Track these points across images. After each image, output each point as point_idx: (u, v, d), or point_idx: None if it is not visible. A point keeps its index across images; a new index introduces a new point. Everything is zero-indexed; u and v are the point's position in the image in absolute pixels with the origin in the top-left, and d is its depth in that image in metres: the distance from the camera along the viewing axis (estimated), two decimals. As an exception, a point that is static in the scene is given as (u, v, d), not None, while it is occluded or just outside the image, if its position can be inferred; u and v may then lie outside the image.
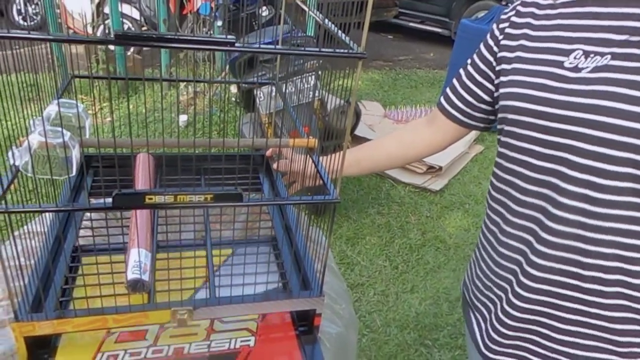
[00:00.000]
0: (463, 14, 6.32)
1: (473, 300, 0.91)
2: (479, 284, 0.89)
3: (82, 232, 0.94)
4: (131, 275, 0.72)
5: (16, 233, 0.71)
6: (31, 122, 0.70)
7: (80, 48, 4.27)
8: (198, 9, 4.43)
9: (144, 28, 5.13)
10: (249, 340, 0.76)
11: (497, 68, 0.83)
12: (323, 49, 0.57)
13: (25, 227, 0.89)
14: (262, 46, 0.55)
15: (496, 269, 0.83)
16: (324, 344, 0.81)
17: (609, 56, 0.68)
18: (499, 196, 0.82)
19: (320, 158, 0.88)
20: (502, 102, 0.80)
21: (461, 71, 0.91)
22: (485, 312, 0.87)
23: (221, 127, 3.25)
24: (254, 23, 2.87)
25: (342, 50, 0.58)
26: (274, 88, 1.13)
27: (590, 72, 0.69)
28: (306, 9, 0.83)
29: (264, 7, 3.32)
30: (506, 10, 0.84)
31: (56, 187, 0.84)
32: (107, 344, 0.73)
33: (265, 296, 0.76)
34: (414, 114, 4.17)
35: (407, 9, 7.00)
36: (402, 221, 2.90)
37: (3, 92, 0.62)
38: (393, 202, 3.07)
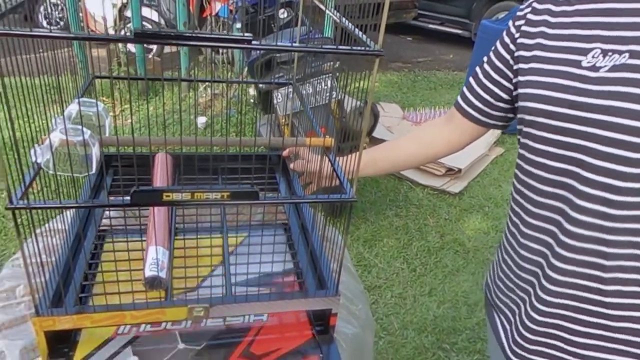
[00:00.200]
0: (484, 15, 6.24)
1: (496, 301, 0.91)
2: (502, 286, 0.88)
3: (101, 230, 0.95)
4: (149, 272, 0.72)
5: (38, 230, 0.73)
6: (53, 120, 0.72)
7: (102, 51, 4.35)
8: (217, 12, 4.48)
9: (164, 31, 5.19)
10: (262, 316, 0.81)
11: (515, 67, 0.81)
12: (340, 47, 0.57)
13: (46, 224, 0.91)
14: (278, 44, 0.55)
15: (518, 271, 0.82)
16: (340, 345, 0.81)
17: (627, 54, 0.67)
18: (518, 198, 0.81)
19: (337, 158, 0.88)
20: (519, 103, 0.79)
21: (477, 69, 0.90)
22: (510, 314, 0.86)
23: (239, 129, 3.27)
24: (272, 25, 2.88)
25: (359, 48, 0.58)
26: (291, 89, 1.14)
27: (608, 71, 0.67)
28: (323, 8, 0.83)
29: (283, 10, 3.34)
30: (522, 7, 0.83)
31: (77, 186, 0.85)
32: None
33: (281, 295, 0.76)
34: (433, 115, 4.13)
35: (426, 10, 6.95)
36: (420, 224, 2.87)
37: (27, 94, 0.64)
38: (411, 205, 3.05)
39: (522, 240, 0.80)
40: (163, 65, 4.34)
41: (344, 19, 0.65)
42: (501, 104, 0.87)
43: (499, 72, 0.85)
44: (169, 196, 0.61)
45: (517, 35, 0.81)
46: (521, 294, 0.82)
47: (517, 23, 0.82)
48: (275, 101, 2.48)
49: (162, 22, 5.15)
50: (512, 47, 0.82)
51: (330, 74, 2.35)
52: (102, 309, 0.69)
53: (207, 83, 4.04)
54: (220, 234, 0.93)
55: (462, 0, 6.67)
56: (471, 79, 0.91)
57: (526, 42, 0.79)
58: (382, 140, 3.31)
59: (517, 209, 0.82)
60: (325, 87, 2.37)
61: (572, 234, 0.71)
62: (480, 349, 2.04)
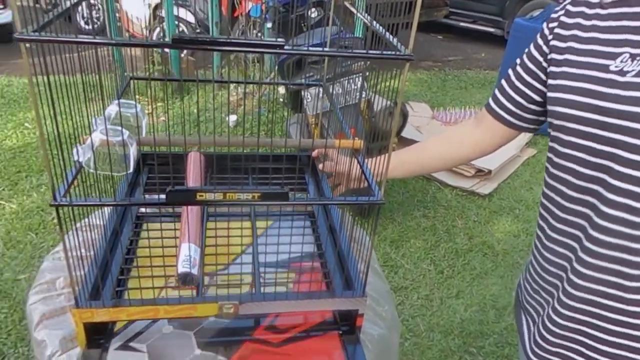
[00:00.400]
0: (517, 13, 6.11)
1: (524, 302, 0.91)
2: (529, 287, 0.88)
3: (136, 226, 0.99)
4: (181, 268, 0.75)
5: (77, 225, 0.76)
6: (93, 121, 0.75)
7: (138, 51, 4.47)
8: (249, 11, 4.54)
9: (197, 30, 5.30)
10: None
11: (547, 69, 0.80)
12: (370, 51, 0.58)
13: (85, 219, 0.95)
14: (310, 48, 0.56)
15: (543, 274, 0.83)
16: (365, 345, 0.82)
17: None
18: (545, 202, 0.81)
19: (366, 160, 0.88)
20: (549, 107, 0.78)
21: (510, 72, 0.90)
22: (535, 316, 0.87)
23: (269, 127, 3.31)
24: (303, 25, 2.90)
25: (389, 52, 0.58)
26: (321, 89, 1.15)
27: (635, 75, 0.66)
28: (354, 11, 0.84)
29: (313, 9, 3.35)
30: (556, 9, 0.82)
31: (114, 183, 0.89)
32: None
33: (308, 294, 0.77)
34: (463, 115, 4.08)
35: (458, 8, 6.84)
36: (448, 225, 2.84)
37: (67, 91, 0.67)
38: (439, 206, 3.02)
39: (547, 243, 0.80)
40: (196, 64, 4.42)
41: (375, 23, 0.65)
42: (533, 107, 0.86)
43: (532, 74, 0.85)
44: (202, 196, 0.63)
45: (550, 37, 0.80)
46: (546, 296, 0.83)
47: (550, 25, 0.81)
48: (305, 101, 2.50)
49: (196, 22, 5.25)
50: (545, 49, 0.81)
51: (360, 74, 2.35)
52: (137, 303, 0.72)
53: (237, 81, 4.09)
54: (249, 219, 0.99)
55: (495, -2, 6.55)
56: (503, 81, 0.91)
57: (558, 45, 0.78)
58: (411, 141, 3.29)
59: (544, 212, 0.82)
60: (355, 87, 2.37)
61: (597, 241, 0.71)
62: (508, 354, 2.01)
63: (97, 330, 0.74)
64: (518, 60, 0.88)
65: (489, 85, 5.30)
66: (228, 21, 4.84)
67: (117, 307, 0.71)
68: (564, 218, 0.76)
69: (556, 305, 0.79)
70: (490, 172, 3.23)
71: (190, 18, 5.27)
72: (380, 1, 0.80)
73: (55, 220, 2.56)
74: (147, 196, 1.01)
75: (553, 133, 0.77)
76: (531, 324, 0.88)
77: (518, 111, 0.88)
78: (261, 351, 0.78)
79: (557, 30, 0.79)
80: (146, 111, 0.90)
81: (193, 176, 0.97)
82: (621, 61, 0.69)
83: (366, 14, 0.74)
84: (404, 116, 2.98)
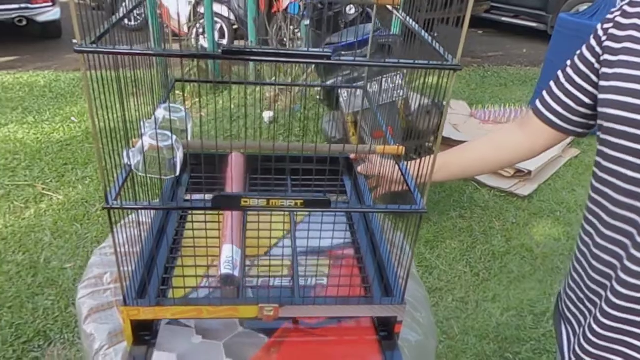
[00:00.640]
0: (562, 7, 5.90)
1: (565, 311, 0.89)
2: (572, 295, 0.86)
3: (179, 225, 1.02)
4: (224, 270, 0.77)
5: (123, 222, 0.79)
6: (141, 124, 0.77)
7: (175, 46, 4.56)
8: (286, 8, 4.56)
9: (234, 26, 5.37)
10: (322, 280, 0.90)
11: (600, 71, 0.78)
12: (417, 62, 0.57)
13: (131, 216, 0.98)
14: (356, 59, 0.56)
15: (588, 282, 0.81)
16: (403, 352, 0.82)
17: None
18: (592, 207, 0.79)
19: (407, 163, 0.88)
20: (599, 109, 0.76)
21: (559, 73, 0.87)
22: (576, 326, 0.85)
23: (303, 124, 3.32)
24: (340, 21, 2.89)
25: (436, 63, 0.58)
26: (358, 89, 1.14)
27: None
28: (399, 15, 0.83)
29: (350, 6, 3.33)
30: (612, 10, 0.79)
31: (159, 188, 0.92)
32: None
33: (348, 300, 0.78)
34: (503, 114, 3.98)
35: (499, 2, 6.66)
36: (485, 226, 2.79)
37: (117, 88, 0.68)
38: (476, 206, 2.96)
39: (594, 250, 0.78)
40: (232, 62, 4.48)
41: (422, 32, 0.65)
42: (582, 109, 0.84)
43: (583, 76, 0.82)
44: (246, 202, 0.64)
45: (604, 38, 0.78)
46: (589, 305, 0.81)
47: (605, 26, 0.79)
48: (341, 98, 2.49)
49: (233, 18, 5.31)
50: (598, 50, 0.79)
51: (399, 72, 2.33)
52: (181, 303, 0.74)
53: (273, 78, 4.13)
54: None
55: (538, -8, 6.34)
56: (552, 83, 0.88)
57: (613, 46, 0.76)
58: (448, 139, 3.24)
59: (591, 217, 0.80)
60: (393, 86, 2.35)
61: None
62: (546, 361, 1.96)
63: (144, 327, 0.77)
64: (568, 62, 0.86)
65: (530, 83, 5.14)
66: (265, 18, 4.88)
67: (162, 306, 0.74)
68: (612, 225, 0.74)
69: (598, 315, 0.77)
70: (530, 172, 3.15)
71: (229, 14, 5.35)
72: None
73: (99, 212, 2.66)
74: (191, 196, 1.04)
75: (602, 136, 0.76)
76: (571, 334, 0.86)
77: (566, 114, 0.86)
78: (298, 330, 0.81)
79: (611, 31, 0.77)
80: (184, 107, 0.92)
81: (234, 178, 0.99)
82: None
83: (411, 19, 0.73)
84: (442, 114, 2.93)
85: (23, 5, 5.12)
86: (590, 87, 0.81)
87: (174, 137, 0.73)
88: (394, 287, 0.81)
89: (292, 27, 4.53)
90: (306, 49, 0.54)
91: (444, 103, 0.63)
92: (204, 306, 0.74)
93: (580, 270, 0.83)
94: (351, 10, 2.93)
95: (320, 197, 0.66)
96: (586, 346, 0.80)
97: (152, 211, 0.95)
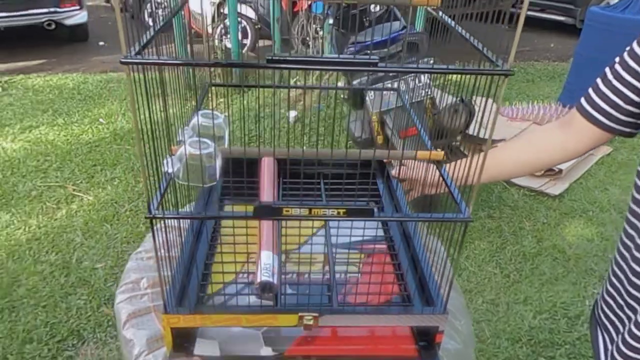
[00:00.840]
0: (591, 1, 5.73)
1: (602, 318, 0.86)
2: (610, 301, 0.83)
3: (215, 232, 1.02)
4: (262, 277, 0.76)
5: (158, 226, 0.79)
6: (179, 132, 0.77)
7: (199, 47, 4.60)
8: (309, 6, 4.54)
9: (257, 26, 5.38)
10: (356, 274, 0.92)
11: None
12: (467, 67, 0.55)
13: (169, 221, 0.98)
14: (404, 65, 0.54)
15: (629, 287, 0.77)
16: (443, 361, 0.80)
17: None
18: (635, 208, 0.76)
19: (447, 165, 0.85)
20: None
21: (607, 70, 0.84)
22: (614, 334, 0.82)
23: (328, 124, 3.31)
24: (364, 20, 2.86)
25: (487, 69, 0.56)
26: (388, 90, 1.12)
27: None
28: (439, 17, 0.81)
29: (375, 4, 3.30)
30: None
31: (192, 187, 0.91)
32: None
33: (387, 310, 0.76)
34: (531, 110, 3.89)
35: (526, -4, 6.51)
36: (515, 227, 2.73)
37: (158, 91, 0.68)
38: (505, 206, 2.90)
39: (636, 254, 0.75)
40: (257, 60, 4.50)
41: (471, 37, 0.63)
42: (631, 108, 0.81)
43: (632, 72, 0.79)
44: (288, 211, 0.64)
45: None
46: (628, 312, 0.78)
47: None
48: (367, 98, 2.47)
49: (257, 18, 5.33)
50: None
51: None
52: (221, 311, 0.74)
53: (297, 77, 4.13)
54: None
55: (567, -15, 6.18)
56: (599, 80, 0.85)
57: None
58: (475, 137, 3.18)
59: (634, 219, 0.77)
60: (420, 84, 2.31)
61: None
62: (581, 366, 1.91)
63: (183, 334, 0.77)
64: (617, 59, 0.83)
65: (558, 78, 5.02)
66: (288, 17, 4.88)
67: (201, 313, 0.73)
68: None
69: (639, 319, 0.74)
70: (561, 171, 3.07)
71: (251, 14, 5.36)
72: None
73: (127, 213, 2.70)
74: (228, 204, 1.04)
75: None
76: (608, 342, 0.83)
77: (614, 112, 0.82)
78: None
79: None
80: (222, 114, 0.92)
81: (267, 183, 0.98)
82: None
83: (460, 27, 0.71)
84: (470, 113, 2.88)
85: (52, 9, 5.23)
86: None
87: (214, 144, 0.72)
88: (436, 296, 0.79)
89: (315, 26, 4.52)
90: (352, 56, 0.53)
91: (472, 101, 0.61)
92: (244, 315, 0.74)
93: (621, 275, 0.79)
94: (376, 8, 2.89)
95: (363, 206, 0.64)
96: (625, 351, 0.77)
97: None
